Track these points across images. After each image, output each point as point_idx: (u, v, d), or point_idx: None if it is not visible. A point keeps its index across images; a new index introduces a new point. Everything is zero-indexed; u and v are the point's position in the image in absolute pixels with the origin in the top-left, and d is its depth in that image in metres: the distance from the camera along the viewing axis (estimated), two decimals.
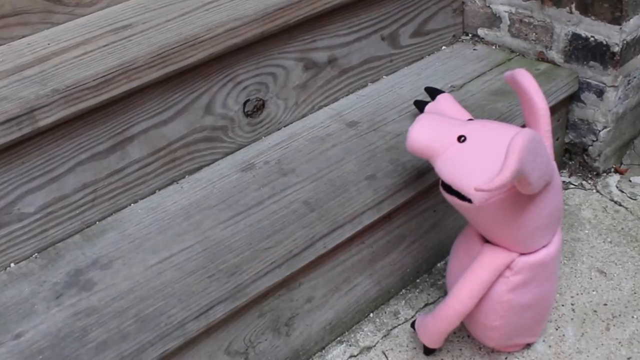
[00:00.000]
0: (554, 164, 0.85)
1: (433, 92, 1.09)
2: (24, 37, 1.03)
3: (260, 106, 1.10)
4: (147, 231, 0.95)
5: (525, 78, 0.86)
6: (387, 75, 1.26)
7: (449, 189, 0.84)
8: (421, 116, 0.89)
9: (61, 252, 0.94)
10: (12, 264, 0.92)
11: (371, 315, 1.06)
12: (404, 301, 1.08)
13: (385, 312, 1.07)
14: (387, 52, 1.24)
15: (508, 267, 0.87)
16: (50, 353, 0.78)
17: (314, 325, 0.98)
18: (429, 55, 1.31)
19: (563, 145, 1.27)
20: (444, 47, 1.33)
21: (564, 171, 1.29)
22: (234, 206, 0.97)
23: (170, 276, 0.86)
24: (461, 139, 0.84)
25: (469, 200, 0.81)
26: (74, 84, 0.87)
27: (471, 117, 0.95)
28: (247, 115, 1.09)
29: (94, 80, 0.88)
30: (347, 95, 1.21)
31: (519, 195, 0.80)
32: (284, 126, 1.15)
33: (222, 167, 1.07)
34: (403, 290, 1.10)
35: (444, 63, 1.28)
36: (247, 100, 1.08)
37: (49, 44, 1.00)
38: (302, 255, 0.88)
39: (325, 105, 1.19)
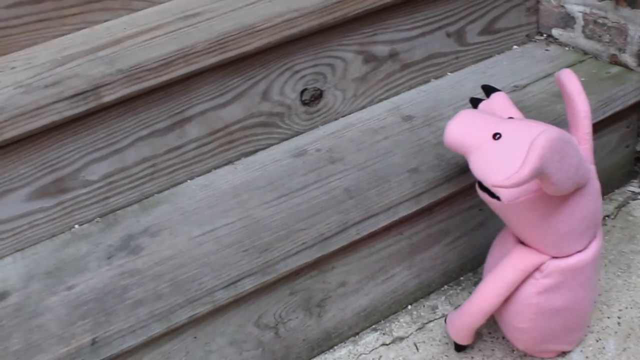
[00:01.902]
0: (591, 168, 0.83)
1: (489, 90, 1.08)
2: (105, 21, 1.13)
3: (318, 96, 1.14)
4: (197, 205, 1.01)
5: (568, 78, 0.84)
6: (452, 72, 1.26)
7: (482, 186, 0.85)
8: (461, 112, 0.90)
9: (119, 218, 1.02)
10: (76, 225, 1.02)
11: (409, 307, 1.08)
12: (444, 297, 1.09)
13: (424, 306, 1.08)
14: (453, 49, 1.24)
15: (538, 269, 0.86)
16: (94, 305, 0.86)
17: (348, 310, 1.01)
18: (498, 54, 1.29)
19: (634, 154, 1.22)
20: (515, 47, 1.31)
21: (635, 181, 1.23)
22: (280, 189, 1.01)
23: (209, 248, 0.92)
24: (496, 136, 0.84)
25: (499, 198, 0.81)
26: (136, 65, 0.95)
27: (512, 116, 0.94)
28: (304, 103, 1.13)
29: (154, 62, 0.95)
30: (408, 90, 1.23)
31: (549, 196, 0.79)
32: (342, 116, 1.18)
33: (276, 151, 1.12)
34: (445, 287, 1.11)
35: (512, 62, 1.26)
36: (305, 89, 1.12)
37: (125, 28, 1.09)
38: (333, 239, 0.91)
39: (386, 98, 1.21)
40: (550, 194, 0.77)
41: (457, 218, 1.05)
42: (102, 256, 0.94)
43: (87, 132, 0.97)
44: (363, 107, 1.20)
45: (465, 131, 0.86)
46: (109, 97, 0.94)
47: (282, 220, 0.94)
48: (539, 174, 0.72)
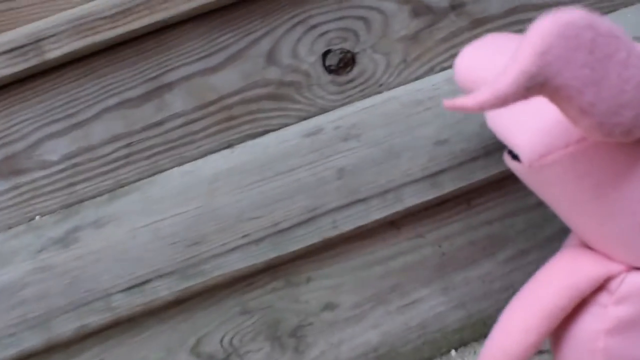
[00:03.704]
0: None
1: None
2: None
3: (349, 60, 0.86)
4: (165, 194, 0.79)
5: None
6: None
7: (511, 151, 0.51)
8: (485, 37, 0.57)
9: (82, 209, 0.83)
10: (37, 217, 0.84)
11: (452, 353, 0.73)
12: None
13: (474, 353, 0.72)
14: (551, 0, 0.88)
15: (605, 288, 0.48)
16: None
17: (344, 348, 0.70)
18: (625, 6, 0.90)
19: None
20: None
21: None
22: (265, 172, 0.76)
23: (141, 240, 0.69)
24: None
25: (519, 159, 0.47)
26: (86, 13, 0.76)
27: None
28: (329, 70, 0.86)
29: (109, 10, 0.76)
30: None
31: (607, 153, 0.43)
32: (388, 89, 0.88)
33: (289, 132, 0.85)
34: None
35: None
36: (328, 51, 0.85)
37: None
38: (293, 233, 0.63)
39: (452, 66, 0.89)
40: (593, 138, 0.42)
41: (519, 220, 0.69)
42: (35, 249, 0.75)
43: (38, 99, 0.80)
44: (419, 78, 0.88)
45: (485, 57, 0.54)
46: (54, 52, 0.76)
47: (242, 208, 0.68)
48: (542, 84, 0.38)
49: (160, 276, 0.62)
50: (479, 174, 0.63)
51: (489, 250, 0.70)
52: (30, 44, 0.75)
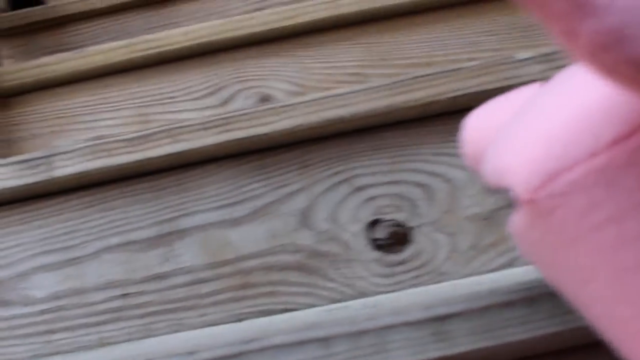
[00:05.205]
0: None
1: None
2: None
3: (402, 236, 0.69)
4: None
5: None
6: None
7: None
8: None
9: None
10: None
11: None
12: None
13: None
14: None
15: None
16: None
17: None
18: None
19: None
20: None
21: None
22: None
23: None
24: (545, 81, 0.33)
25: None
26: (104, 133, 0.70)
27: None
28: (376, 245, 0.69)
29: (130, 133, 0.70)
30: None
31: None
32: (451, 280, 0.68)
33: (314, 315, 0.67)
34: None
35: None
36: (376, 221, 0.69)
37: None
38: None
39: None
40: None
41: None
42: None
43: (38, 223, 0.72)
44: (492, 270, 0.67)
45: (497, 107, 0.37)
46: (63, 169, 0.70)
47: None
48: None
49: None
50: (518, 332, 0.39)
51: None
52: (43, 157, 0.69)
